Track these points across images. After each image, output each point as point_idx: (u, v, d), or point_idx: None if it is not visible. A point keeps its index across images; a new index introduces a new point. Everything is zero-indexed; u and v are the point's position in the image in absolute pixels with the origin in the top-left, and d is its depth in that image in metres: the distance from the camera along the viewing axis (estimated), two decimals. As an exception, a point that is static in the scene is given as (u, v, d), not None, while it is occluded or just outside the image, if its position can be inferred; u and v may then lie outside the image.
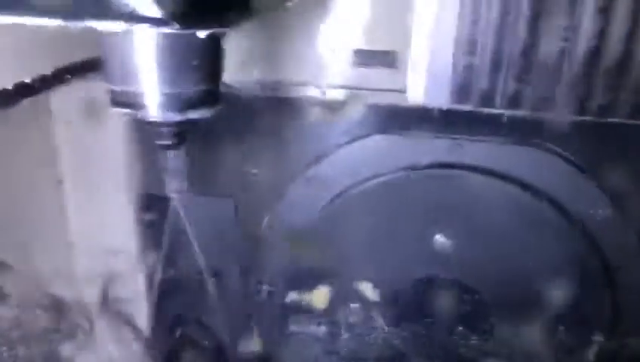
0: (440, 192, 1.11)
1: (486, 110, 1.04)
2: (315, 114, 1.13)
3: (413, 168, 1.11)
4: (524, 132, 1.05)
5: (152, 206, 1.28)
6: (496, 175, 1.08)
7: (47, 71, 1.03)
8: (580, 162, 1.07)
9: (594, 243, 1.11)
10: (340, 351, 1.27)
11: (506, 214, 1.10)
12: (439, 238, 1.13)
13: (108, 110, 1.19)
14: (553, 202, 1.09)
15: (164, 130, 0.81)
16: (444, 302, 1.19)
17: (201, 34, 0.63)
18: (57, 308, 1.33)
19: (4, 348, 1.19)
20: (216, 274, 1.31)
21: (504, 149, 1.07)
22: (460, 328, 1.20)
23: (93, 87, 1.15)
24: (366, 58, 1.08)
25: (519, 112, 1.04)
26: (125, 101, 0.76)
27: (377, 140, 1.11)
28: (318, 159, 1.15)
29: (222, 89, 0.80)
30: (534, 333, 1.18)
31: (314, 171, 1.16)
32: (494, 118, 1.05)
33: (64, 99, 1.22)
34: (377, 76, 1.09)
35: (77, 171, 1.31)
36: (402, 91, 1.07)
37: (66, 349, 1.36)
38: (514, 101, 1.03)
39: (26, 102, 1.01)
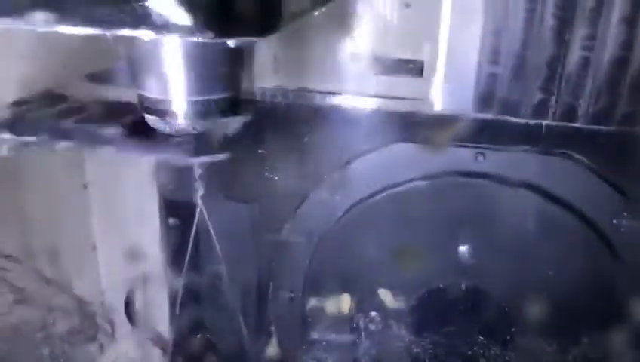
0: (462, 201, 1.11)
1: (510, 119, 1.04)
2: (337, 121, 1.14)
3: (436, 177, 1.11)
4: (548, 141, 1.05)
5: (176, 211, 1.30)
6: (519, 184, 1.08)
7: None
8: (603, 172, 1.06)
9: (618, 254, 1.10)
10: (360, 360, 1.27)
11: (528, 224, 1.09)
12: (462, 248, 1.13)
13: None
14: (576, 212, 1.08)
15: (191, 137, 0.83)
16: (465, 311, 1.18)
17: (232, 43, 0.64)
18: (81, 310, 1.35)
19: (29, 350, 1.20)
20: (238, 280, 1.31)
21: (527, 159, 1.07)
22: (481, 338, 1.19)
23: (121, 91, 1.18)
24: (391, 66, 1.09)
25: (544, 121, 1.03)
26: (153, 108, 0.79)
27: (399, 148, 1.12)
28: (339, 166, 1.16)
29: (245, 96, 0.82)
30: (556, 345, 1.16)
31: (335, 178, 1.17)
32: (518, 127, 1.04)
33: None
34: (401, 84, 1.09)
35: (102, 176, 1.33)
36: (426, 100, 1.07)
37: (88, 352, 1.38)
38: (537, 110, 1.02)
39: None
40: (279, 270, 1.28)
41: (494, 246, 1.12)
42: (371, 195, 1.15)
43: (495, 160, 1.08)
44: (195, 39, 0.60)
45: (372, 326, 1.24)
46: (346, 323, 1.25)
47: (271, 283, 1.29)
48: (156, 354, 1.46)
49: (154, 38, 0.61)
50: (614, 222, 1.08)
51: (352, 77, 1.11)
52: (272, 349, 1.34)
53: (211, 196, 1.25)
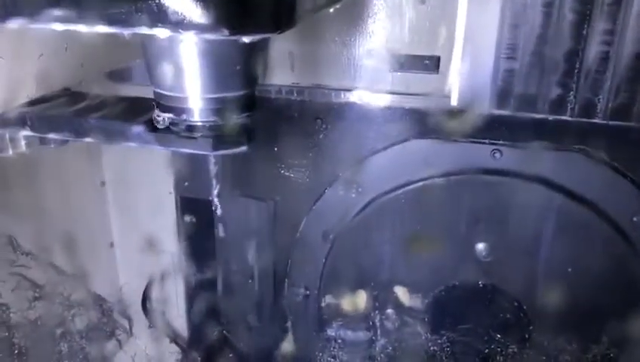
0: (479, 198, 1.10)
1: (527, 115, 1.03)
2: (353, 118, 1.13)
3: (452, 174, 1.10)
4: (566, 137, 1.04)
5: (193, 208, 1.31)
6: (536, 181, 1.07)
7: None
8: (623, 168, 1.05)
9: (637, 251, 1.08)
10: (376, 357, 1.27)
11: (546, 220, 1.08)
12: (479, 245, 1.12)
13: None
14: (595, 209, 1.06)
15: (206, 133, 0.83)
16: (483, 309, 1.17)
17: (247, 39, 0.65)
18: (99, 306, 1.37)
19: (49, 345, 1.22)
20: (254, 277, 1.32)
21: (545, 155, 1.06)
22: (499, 336, 1.19)
23: (138, 91, 1.19)
24: (406, 62, 1.08)
25: (561, 117, 1.02)
26: (168, 105, 0.79)
27: (415, 145, 1.11)
28: (355, 163, 1.16)
29: (261, 93, 0.82)
30: (575, 343, 1.15)
31: (351, 175, 1.16)
32: (535, 124, 1.03)
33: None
34: (417, 81, 1.09)
35: (119, 174, 1.35)
36: (443, 96, 1.06)
37: (107, 347, 1.39)
38: (555, 106, 1.01)
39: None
40: (295, 267, 1.28)
41: (512, 243, 1.11)
42: (387, 192, 1.14)
43: (512, 156, 1.07)
44: (210, 36, 0.60)
45: (388, 324, 1.24)
46: (361, 320, 1.25)
47: (287, 280, 1.29)
48: (173, 349, 1.47)
49: (169, 35, 0.61)
50: (634, 219, 1.06)
51: (367, 73, 1.11)
52: (288, 345, 1.34)
53: (228, 194, 1.26)
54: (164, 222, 1.35)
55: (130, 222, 1.36)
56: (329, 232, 1.22)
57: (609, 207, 1.06)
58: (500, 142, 1.07)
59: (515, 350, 1.19)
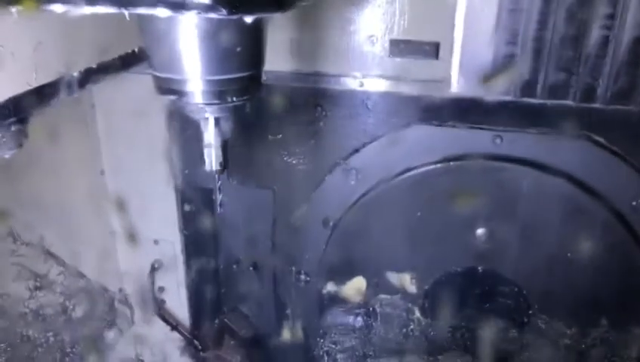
0: (479, 184, 1.10)
1: (527, 101, 1.03)
2: (352, 105, 1.13)
3: (452, 159, 1.10)
4: (566, 122, 1.04)
5: (193, 196, 1.31)
6: (537, 166, 1.07)
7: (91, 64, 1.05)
8: (623, 153, 1.05)
9: (636, 236, 1.09)
10: (376, 342, 1.28)
11: (546, 206, 1.08)
12: (479, 231, 1.12)
13: (149, 102, 1.23)
14: (594, 193, 1.07)
15: (206, 116, 0.81)
16: (483, 294, 1.18)
17: (248, 19, 0.64)
18: (100, 296, 1.37)
19: (51, 334, 1.22)
20: (255, 264, 1.32)
21: (545, 140, 1.06)
22: (499, 320, 1.19)
23: (136, 80, 1.18)
24: (406, 48, 1.07)
25: (561, 102, 1.02)
26: (169, 88, 0.77)
27: (416, 131, 1.11)
28: (356, 150, 1.16)
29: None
30: (576, 327, 1.16)
31: (352, 162, 1.16)
32: (535, 109, 1.03)
33: (107, 92, 1.25)
34: (418, 67, 1.08)
35: (119, 162, 1.34)
36: (443, 82, 1.06)
37: (108, 336, 1.40)
38: (555, 91, 1.01)
39: (73, 96, 1.04)
40: (296, 254, 1.28)
41: (512, 229, 1.11)
42: (387, 179, 1.14)
43: (513, 142, 1.07)
44: (211, 16, 0.60)
45: (388, 310, 1.25)
46: (362, 306, 1.26)
47: (287, 267, 1.30)
48: (175, 338, 1.48)
49: (170, 15, 0.60)
50: (634, 203, 1.07)
51: (368, 59, 1.10)
52: (290, 332, 1.35)
53: (228, 182, 1.26)
54: (164, 211, 1.35)
55: (130, 211, 1.36)
56: (329, 219, 1.22)
57: (609, 191, 1.07)
58: (501, 128, 1.07)
59: (516, 334, 1.20)
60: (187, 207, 1.31)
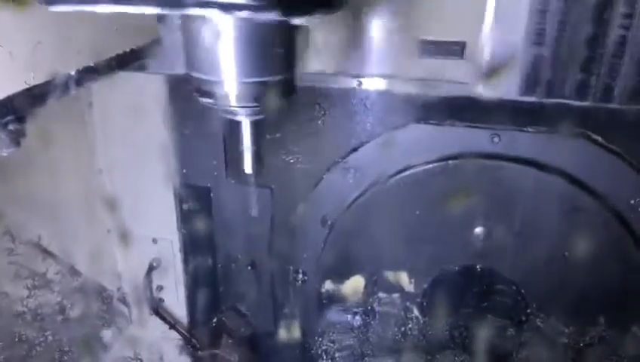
0: (477, 183, 1.10)
1: (525, 99, 1.02)
2: (352, 104, 1.13)
3: (450, 158, 1.10)
4: (565, 121, 1.04)
5: (191, 195, 1.30)
6: (535, 165, 1.07)
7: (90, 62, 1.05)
8: (621, 151, 1.05)
9: (634, 234, 1.09)
10: (374, 341, 1.28)
11: (544, 204, 1.08)
12: (477, 230, 1.12)
13: (147, 101, 1.23)
14: (593, 192, 1.07)
15: (242, 118, 0.81)
16: (481, 293, 1.18)
17: (297, 21, 0.63)
18: (97, 294, 1.37)
19: (49, 333, 1.22)
20: (253, 263, 1.32)
21: (543, 139, 1.06)
22: (497, 319, 1.20)
23: (133, 79, 1.18)
24: (433, 48, 1.05)
25: (559, 101, 1.02)
26: (205, 90, 0.76)
27: (413, 130, 1.11)
28: (354, 148, 1.16)
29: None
30: (574, 325, 1.16)
31: (350, 160, 1.16)
32: (533, 108, 1.03)
33: (104, 91, 1.24)
34: (441, 67, 1.05)
35: (116, 161, 1.34)
36: (467, 83, 1.04)
37: (106, 335, 1.39)
38: (580, 91, 1.00)
39: (71, 95, 1.03)
40: (294, 253, 1.28)
41: (510, 227, 1.11)
42: (385, 177, 1.14)
43: (511, 141, 1.07)
44: (263, 18, 0.58)
45: (386, 309, 1.25)
46: (360, 305, 1.26)
47: (285, 266, 1.30)
48: (173, 336, 1.48)
49: (221, 16, 0.58)
50: (632, 202, 1.07)
51: (392, 59, 1.08)
52: (288, 331, 1.35)
53: (226, 181, 1.26)
54: (162, 210, 1.35)
55: (128, 210, 1.36)
56: (327, 218, 1.22)
57: (607, 190, 1.07)
58: (499, 126, 1.07)
59: (514, 333, 1.20)
60: (185, 206, 1.31)
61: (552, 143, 1.06)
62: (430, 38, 1.04)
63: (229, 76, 0.73)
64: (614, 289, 1.11)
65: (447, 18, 1.03)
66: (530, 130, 1.06)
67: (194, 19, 0.62)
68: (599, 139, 1.05)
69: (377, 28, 1.06)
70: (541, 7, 0.95)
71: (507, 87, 1.02)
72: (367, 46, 1.08)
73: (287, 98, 0.78)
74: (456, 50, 1.04)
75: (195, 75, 0.75)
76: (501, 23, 0.98)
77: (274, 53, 0.73)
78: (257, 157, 0.86)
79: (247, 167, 0.86)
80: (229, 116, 0.80)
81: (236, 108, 0.77)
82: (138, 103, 1.25)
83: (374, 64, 1.09)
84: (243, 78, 0.73)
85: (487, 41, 1.00)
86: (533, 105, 1.03)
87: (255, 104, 0.76)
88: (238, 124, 0.84)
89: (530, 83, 1.01)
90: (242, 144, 0.84)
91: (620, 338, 1.15)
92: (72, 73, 1.00)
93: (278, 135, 1.19)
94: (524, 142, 1.06)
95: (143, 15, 0.62)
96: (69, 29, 0.91)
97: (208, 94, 0.76)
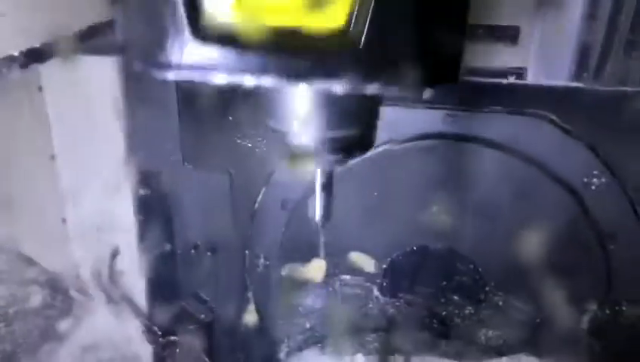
0: (433, 163, 1.11)
1: (478, 80, 1.03)
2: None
3: (409, 139, 1.10)
4: (521, 101, 1.05)
5: (148, 181, 1.28)
6: (490, 145, 1.08)
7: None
8: (575, 130, 1.07)
9: (588, 212, 1.11)
10: (336, 323, 1.28)
11: (500, 183, 1.09)
12: (434, 209, 1.13)
13: (100, 85, 1.20)
14: (548, 171, 1.08)
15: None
16: (439, 272, 1.19)
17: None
18: (53, 284, 1.33)
19: (2, 325, 1.19)
20: (213, 248, 1.31)
21: (498, 119, 1.06)
22: (456, 297, 1.21)
23: (86, 62, 1.15)
24: (486, 33, 1.03)
25: (516, 81, 1.02)
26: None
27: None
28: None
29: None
30: (529, 302, 1.18)
31: (308, 144, 1.15)
32: (487, 88, 1.04)
33: (55, 73, 1.21)
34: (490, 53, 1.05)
35: (70, 147, 1.30)
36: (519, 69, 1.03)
37: (62, 325, 1.37)
38: (619, 77, 1.00)
39: (16, 77, 1.00)
40: (254, 237, 1.27)
41: (465, 205, 1.12)
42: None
43: (466, 121, 1.07)
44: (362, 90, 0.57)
45: (347, 290, 1.25)
46: (321, 288, 1.26)
47: (247, 251, 1.29)
48: (134, 324, 1.46)
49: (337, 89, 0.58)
50: (585, 180, 1.09)
51: None
52: (250, 316, 1.34)
53: (183, 166, 1.24)
54: (118, 197, 1.32)
55: (83, 197, 1.33)
56: (288, 201, 1.21)
57: (561, 169, 1.08)
58: (453, 106, 1.07)
59: (472, 311, 1.22)
60: (142, 192, 1.28)
61: (508, 123, 1.07)
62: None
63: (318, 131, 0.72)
64: (569, 266, 1.13)
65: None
66: (485, 109, 1.06)
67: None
68: (555, 118, 1.06)
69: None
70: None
71: (560, 74, 1.01)
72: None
73: (364, 151, 0.79)
74: (511, 35, 1.02)
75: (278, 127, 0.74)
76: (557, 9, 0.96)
77: (354, 112, 0.72)
78: (327, 208, 0.90)
79: (317, 215, 0.91)
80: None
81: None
82: (90, 87, 1.22)
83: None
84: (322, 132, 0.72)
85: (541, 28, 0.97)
86: (485, 85, 1.03)
87: (331, 154, 0.76)
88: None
89: (580, 69, 1.00)
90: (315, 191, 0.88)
91: (574, 313, 1.17)
92: (16, 54, 0.97)
93: (234, 118, 1.17)
94: (479, 122, 1.07)
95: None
96: (15, 7, 0.87)
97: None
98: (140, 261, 1.38)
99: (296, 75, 0.57)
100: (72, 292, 1.39)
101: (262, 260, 1.28)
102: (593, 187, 1.09)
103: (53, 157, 1.30)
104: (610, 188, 1.09)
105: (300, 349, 1.28)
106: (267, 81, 0.58)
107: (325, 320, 1.28)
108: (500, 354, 1.20)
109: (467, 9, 0.62)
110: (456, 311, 1.22)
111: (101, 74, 1.20)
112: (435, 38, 0.60)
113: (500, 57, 1.06)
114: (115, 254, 1.38)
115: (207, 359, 1.41)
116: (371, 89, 0.58)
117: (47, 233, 1.32)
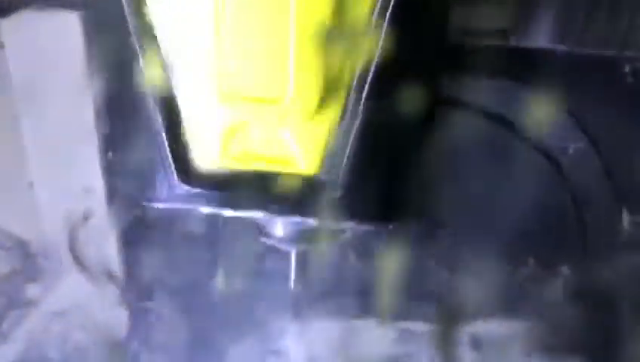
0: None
1: (457, 41, 1.01)
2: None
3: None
4: (498, 63, 1.03)
5: (117, 143, 1.24)
6: (466, 107, 1.06)
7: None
8: (553, 94, 1.05)
9: (564, 177, 1.11)
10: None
11: (474, 147, 1.09)
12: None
13: (67, 43, 1.15)
14: (525, 135, 1.08)
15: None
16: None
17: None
18: (20, 249, 1.30)
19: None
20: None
21: (475, 80, 1.05)
22: (432, 263, 1.21)
23: (48, 19, 1.11)
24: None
25: (496, 44, 1.01)
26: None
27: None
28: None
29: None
30: (503, 266, 1.19)
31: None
32: (467, 49, 1.02)
33: (18, 30, 1.16)
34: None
35: (35, 108, 1.25)
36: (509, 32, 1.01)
37: (31, 291, 1.34)
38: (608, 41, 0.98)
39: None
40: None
41: (439, 169, 1.11)
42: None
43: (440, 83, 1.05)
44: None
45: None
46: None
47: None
48: (108, 290, 1.44)
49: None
50: (562, 145, 1.09)
51: None
52: (222, 281, 1.33)
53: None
54: (92, 157, 1.28)
55: (50, 160, 1.28)
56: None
57: (538, 133, 1.07)
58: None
59: (447, 276, 1.22)
60: (110, 155, 1.25)
61: (481, 85, 1.05)
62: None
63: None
64: (544, 230, 1.14)
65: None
66: (460, 72, 1.04)
67: None
68: (531, 81, 1.04)
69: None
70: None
71: (538, 34, 0.99)
72: None
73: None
74: None
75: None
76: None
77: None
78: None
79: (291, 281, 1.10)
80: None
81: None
82: (57, 45, 1.17)
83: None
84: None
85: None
86: (464, 46, 1.01)
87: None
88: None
89: (563, 31, 0.99)
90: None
91: (548, 278, 1.18)
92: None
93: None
94: (455, 84, 1.05)
95: None
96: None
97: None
98: (111, 226, 1.36)
99: (274, 212, 0.70)
100: (41, 260, 1.36)
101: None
102: (570, 151, 1.09)
103: (16, 117, 1.26)
104: (586, 154, 1.08)
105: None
106: (247, 214, 0.74)
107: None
108: (474, 318, 1.21)
109: None
110: (432, 277, 1.22)
111: (66, 33, 1.15)
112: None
113: (480, 18, 1.04)
114: (85, 218, 1.35)
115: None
116: (345, 225, 0.76)
117: (12, 199, 1.28)
